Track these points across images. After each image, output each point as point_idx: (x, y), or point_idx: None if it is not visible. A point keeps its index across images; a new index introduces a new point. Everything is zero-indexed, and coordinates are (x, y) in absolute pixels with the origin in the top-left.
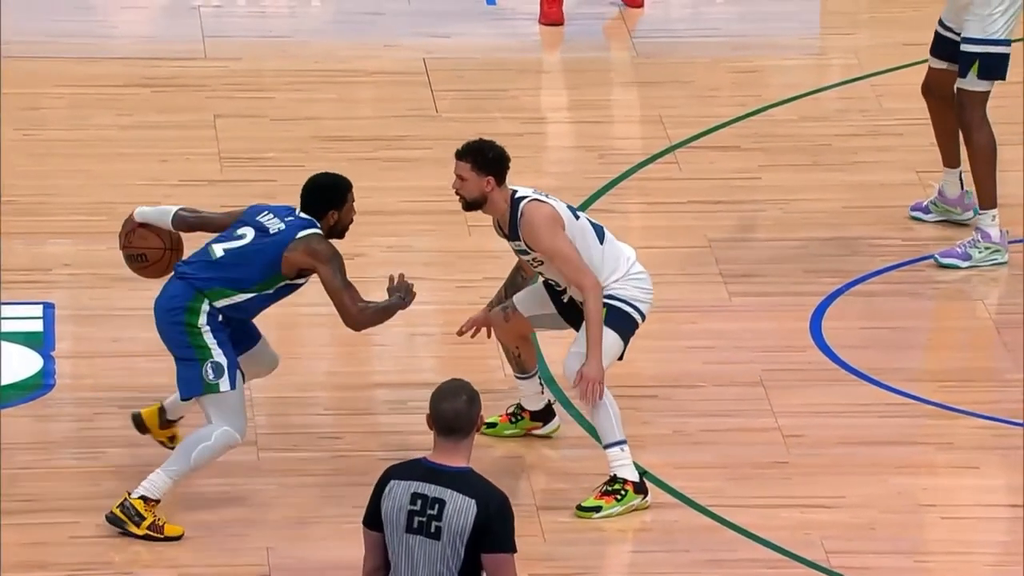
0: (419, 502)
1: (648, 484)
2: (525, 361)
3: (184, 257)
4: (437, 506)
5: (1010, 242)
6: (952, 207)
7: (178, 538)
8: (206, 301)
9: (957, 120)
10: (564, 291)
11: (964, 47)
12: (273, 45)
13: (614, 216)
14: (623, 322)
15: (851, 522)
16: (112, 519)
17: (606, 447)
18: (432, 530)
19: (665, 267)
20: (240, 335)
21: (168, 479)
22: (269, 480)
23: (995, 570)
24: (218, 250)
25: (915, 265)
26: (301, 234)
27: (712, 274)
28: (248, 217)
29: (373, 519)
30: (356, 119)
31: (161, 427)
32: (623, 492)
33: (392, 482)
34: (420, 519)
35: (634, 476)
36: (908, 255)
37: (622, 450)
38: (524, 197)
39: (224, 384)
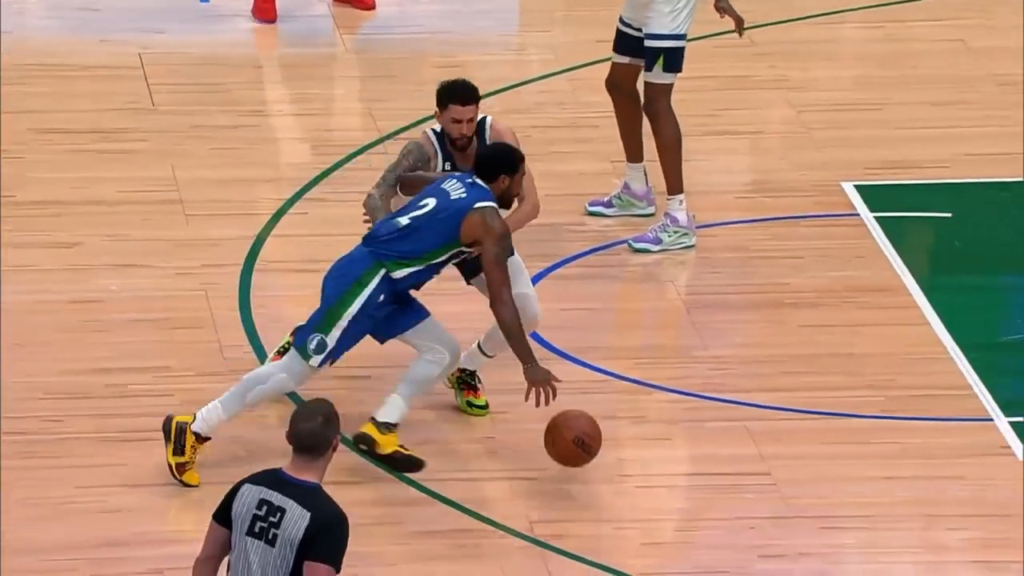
0: (264, 508)
1: (369, 455)
2: None
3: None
4: (279, 514)
5: (697, 227)
6: (638, 201)
7: None
8: (381, 273)
9: (645, 111)
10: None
11: (649, 43)
12: None
13: (328, 204)
14: None
15: (554, 492)
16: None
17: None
18: (270, 537)
19: None
20: (406, 311)
21: (223, 412)
22: None
23: (682, 535)
24: (404, 220)
25: (610, 249)
26: (480, 204)
27: None
28: (434, 186)
29: (222, 515)
30: (73, 112)
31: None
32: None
33: (246, 485)
34: (262, 524)
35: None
36: (603, 240)
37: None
38: (483, 116)
39: (315, 361)
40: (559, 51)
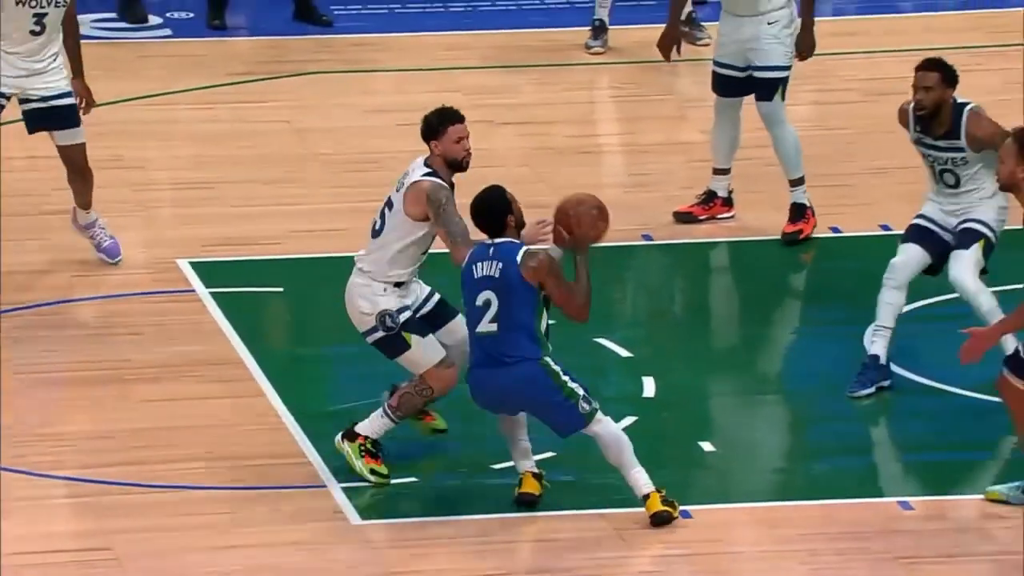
0: None
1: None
2: None
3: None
4: None
5: (30, 306)
6: None
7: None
8: (547, 360)
9: (85, 170)
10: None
11: (69, 100)
12: None
13: None
14: None
15: None
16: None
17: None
18: None
19: None
20: None
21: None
22: None
23: None
24: (492, 328)
25: None
26: (520, 252)
27: None
28: (475, 284)
29: None
30: None
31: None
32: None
33: None
34: None
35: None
36: None
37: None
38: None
39: (595, 406)
40: None
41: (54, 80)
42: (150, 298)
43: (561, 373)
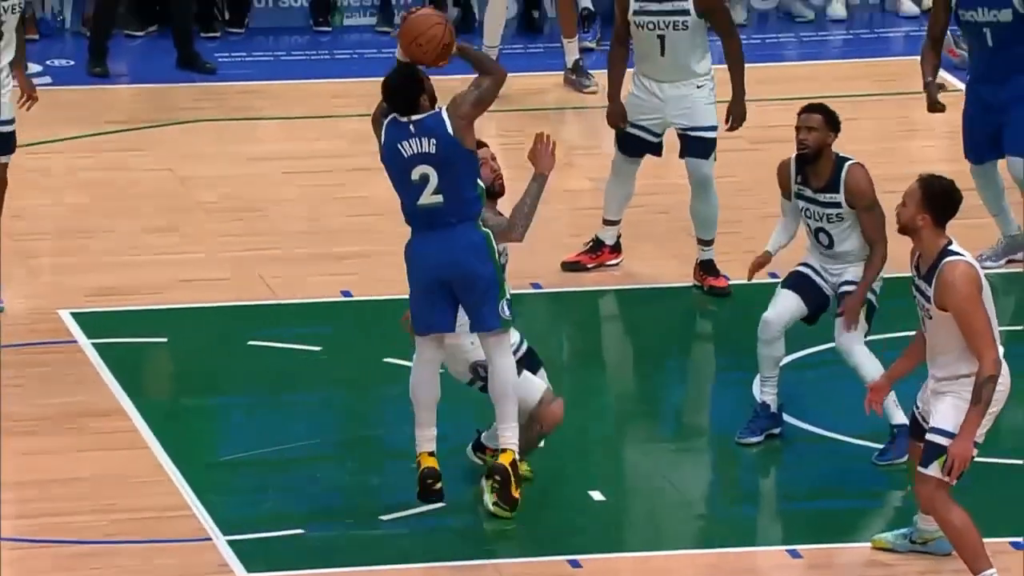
0: None
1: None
2: None
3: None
4: None
5: None
6: None
7: None
8: (484, 228)
9: None
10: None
11: None
12: None
13: None
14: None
15: None
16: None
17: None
18: None
19: None
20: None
21: (505, 432)
22: None
23: None
24: (438, 199)
25: None
26: (445, 120)
27: None
28: (408, 163)
29: None
30: None
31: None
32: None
33: None
34: None
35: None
36: None
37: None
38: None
39: (510, 319)
40: None
41: (2, 103)
42: (30, 349)
43: (496, 250)
